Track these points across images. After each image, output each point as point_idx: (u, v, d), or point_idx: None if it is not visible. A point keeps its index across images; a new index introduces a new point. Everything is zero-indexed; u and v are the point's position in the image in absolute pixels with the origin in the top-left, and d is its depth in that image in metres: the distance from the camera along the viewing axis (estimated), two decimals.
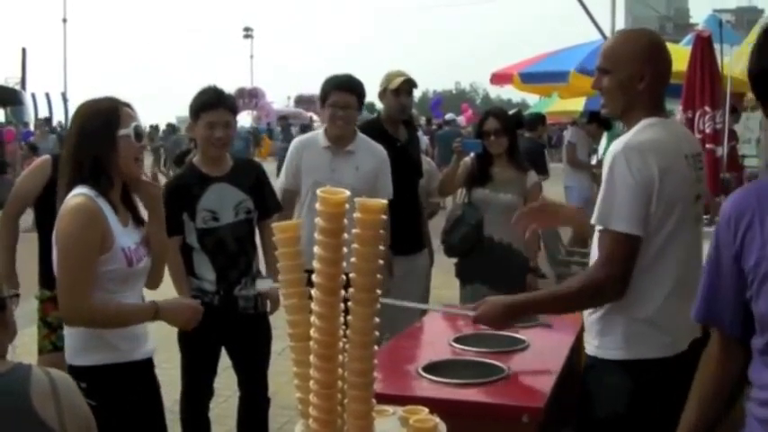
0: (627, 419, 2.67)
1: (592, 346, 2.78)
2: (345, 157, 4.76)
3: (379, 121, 5.42)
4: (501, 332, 3.48)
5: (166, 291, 4.18)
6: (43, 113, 34.12)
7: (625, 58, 2.75)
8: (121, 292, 3.03)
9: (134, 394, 3.09)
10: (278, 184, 4.91)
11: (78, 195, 2.93)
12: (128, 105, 3.10)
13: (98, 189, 2.96)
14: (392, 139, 5.13)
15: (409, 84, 5.29)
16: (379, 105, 5.78)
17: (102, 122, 3.00)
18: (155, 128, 31.63)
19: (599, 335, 2.74)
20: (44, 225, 4.44)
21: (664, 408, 2.60)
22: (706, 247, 4.83)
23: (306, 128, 24.51)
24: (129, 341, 3.06)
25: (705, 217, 6.11)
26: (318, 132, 4.94)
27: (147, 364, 3.21)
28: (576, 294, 2.75)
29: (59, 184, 3.07)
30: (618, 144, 2.66)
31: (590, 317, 2.79)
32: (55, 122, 34.34)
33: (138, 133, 3.03)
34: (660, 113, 2.77)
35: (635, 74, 2.72)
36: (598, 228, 2.66)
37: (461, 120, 27.66)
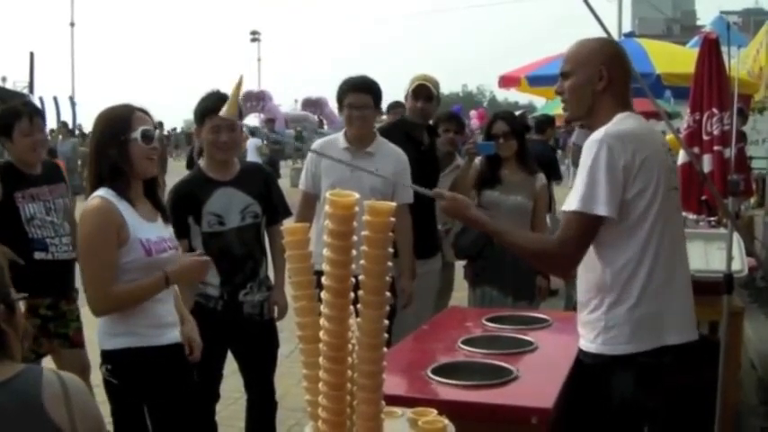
0: (643, 412, 2.82)
1: (596, 344, 2.84)
2: (365, 158, 4.75)
3: (405, 123, 5.44)
4: (509, 334, 3.50)
5: None
6: (51, 117, 34.13)
7: (585, 61, 2.92)
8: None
9: (159, 376, 3.29)
10: (299, 186, 4.95)
11: (95, 198, 3.22)
12: (142, 110, 3.33)
13: (115, 190, 3.22)
14: (416, 142, 5.15)
15: (424, 89, 5.30)
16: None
17: (115, 128, 3.25)
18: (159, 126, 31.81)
19: (604, 331, 2.81)
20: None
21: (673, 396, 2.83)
22: (713, 252, 4.85)
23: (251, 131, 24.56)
24: (153, 327, 3.29)
25: (712, 219, 6.15)
26: (338, 135, 4.95)
27: (174, 350, 3.39)
28: (532, 254, 2.98)
29: (86, 184, 3.37)
30: (598, 133, 2.77)
31: (590, 314, 2.85)
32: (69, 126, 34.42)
33: (146, 135, 3.24)
34: (629, 110, 2.90)
35: (594, 74, 2.88)
36: (571, 209, 2.75)
37: (474, 123, 27.57)
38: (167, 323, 3.36)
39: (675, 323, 2.82)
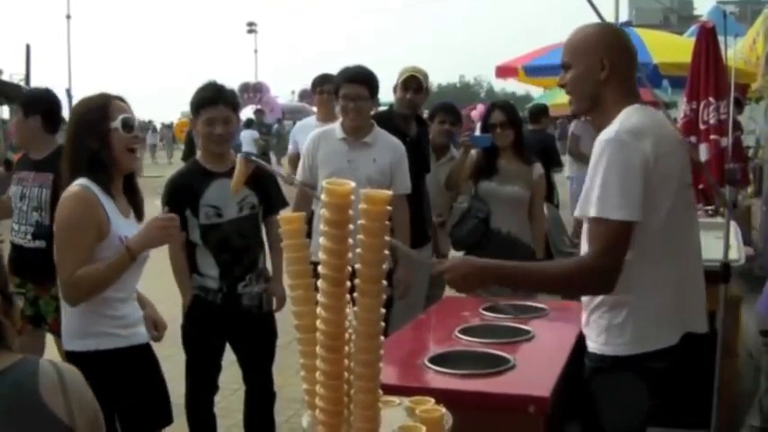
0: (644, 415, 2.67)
1: (598, 344, 2.70)
2: (362, 148, 4.75)
3: (390, 115, 5.43)
4: (506, 323, 3.50)
5: (170, 287, 4.20)
6: None
7: (583, 50, 2.75)
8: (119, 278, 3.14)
9: (128, 378, 3.18)
10: (296, 177, 4.92)
11: (76, 185, 3.10)
12: (119, 98, 3.23)
13: (96, 182, 3.11)
14: (401, 133, 5.14)
15: (414, 80, 5.28)
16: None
17: (94, 118, 3.14)
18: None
19: (606, 330, 2.67)
20: None
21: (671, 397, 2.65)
22: (711, 241, 4.82)
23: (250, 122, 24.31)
24: (121, 328, 3.19)
25: (709, 208, 6.14)
26: (335, 125, 4.93)
27: (142, 350, 3.30)
28: (568, 278, 2.66)
29: (62, 178, 3.22)
30: (609, 132, 2.57)
31: (593, 313, 2.71)
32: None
33: (127, 124, 3.15)
34: (637, 101, 2.71)
35: (595, 63, 2.70)
36: (591, 216, 2.54)
37: (475, 114, 27.46)
38: (133, 322, 3.27)
39: (678, 322, 2.69)
